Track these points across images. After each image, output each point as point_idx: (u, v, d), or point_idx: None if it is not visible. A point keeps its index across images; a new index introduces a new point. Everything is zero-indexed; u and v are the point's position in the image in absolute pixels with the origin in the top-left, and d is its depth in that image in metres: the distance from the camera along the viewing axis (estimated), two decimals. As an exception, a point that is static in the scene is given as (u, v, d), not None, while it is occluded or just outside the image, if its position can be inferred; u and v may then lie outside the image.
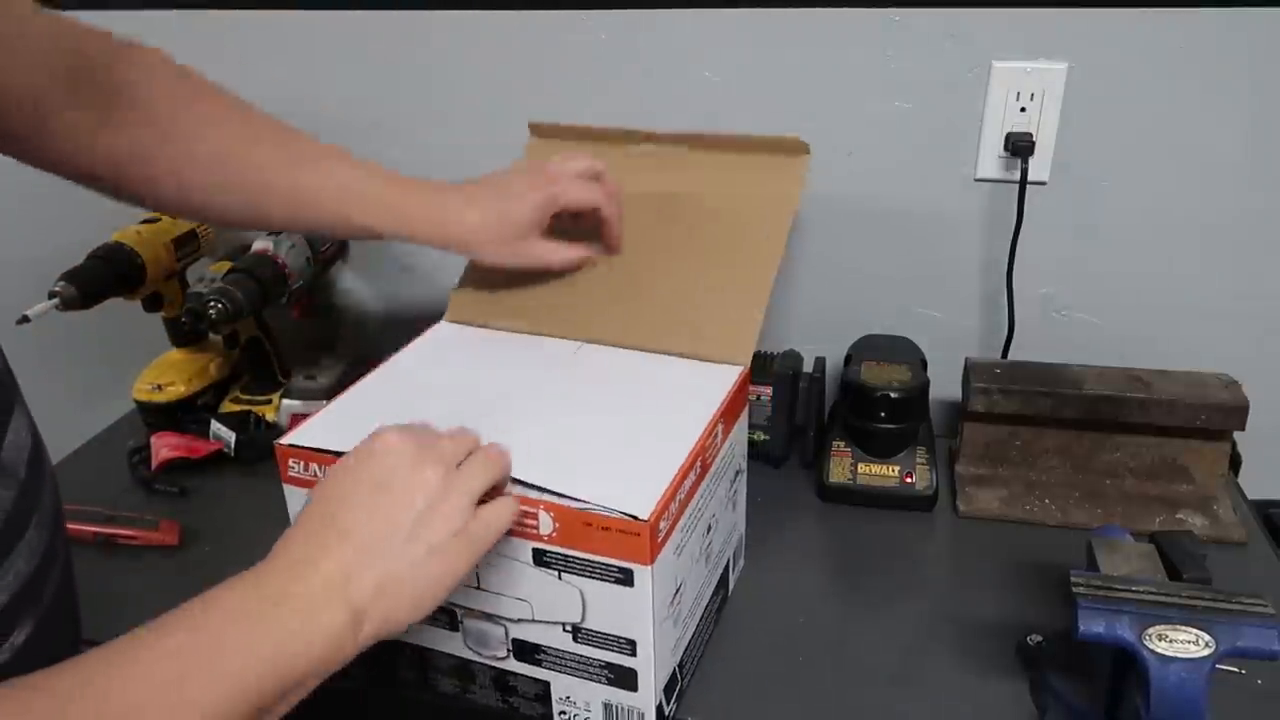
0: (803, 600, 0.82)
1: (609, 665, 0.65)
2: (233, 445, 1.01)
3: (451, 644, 0.70)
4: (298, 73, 1.10)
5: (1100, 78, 0.92)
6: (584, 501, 0.60)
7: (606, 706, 0.67)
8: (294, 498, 0.69)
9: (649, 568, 0.60)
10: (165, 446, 1.00)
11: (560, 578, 0.63)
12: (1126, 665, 0.63)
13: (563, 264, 0.81)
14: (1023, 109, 0.94)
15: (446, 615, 0.69)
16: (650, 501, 0.59)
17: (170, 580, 0.87)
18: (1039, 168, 0.95)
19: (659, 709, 0.67)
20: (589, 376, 0.76)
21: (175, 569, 0.88)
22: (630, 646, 0.64)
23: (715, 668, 0.75)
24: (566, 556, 0.62)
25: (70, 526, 0.90)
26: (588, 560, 0.61)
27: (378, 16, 1.05)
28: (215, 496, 0.98)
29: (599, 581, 0.62)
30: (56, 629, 0.55)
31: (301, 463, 0.67)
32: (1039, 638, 0.75)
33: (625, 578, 0.61)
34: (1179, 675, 0.59)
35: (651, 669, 0.64)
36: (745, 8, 0.96)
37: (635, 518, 0.58)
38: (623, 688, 0.66)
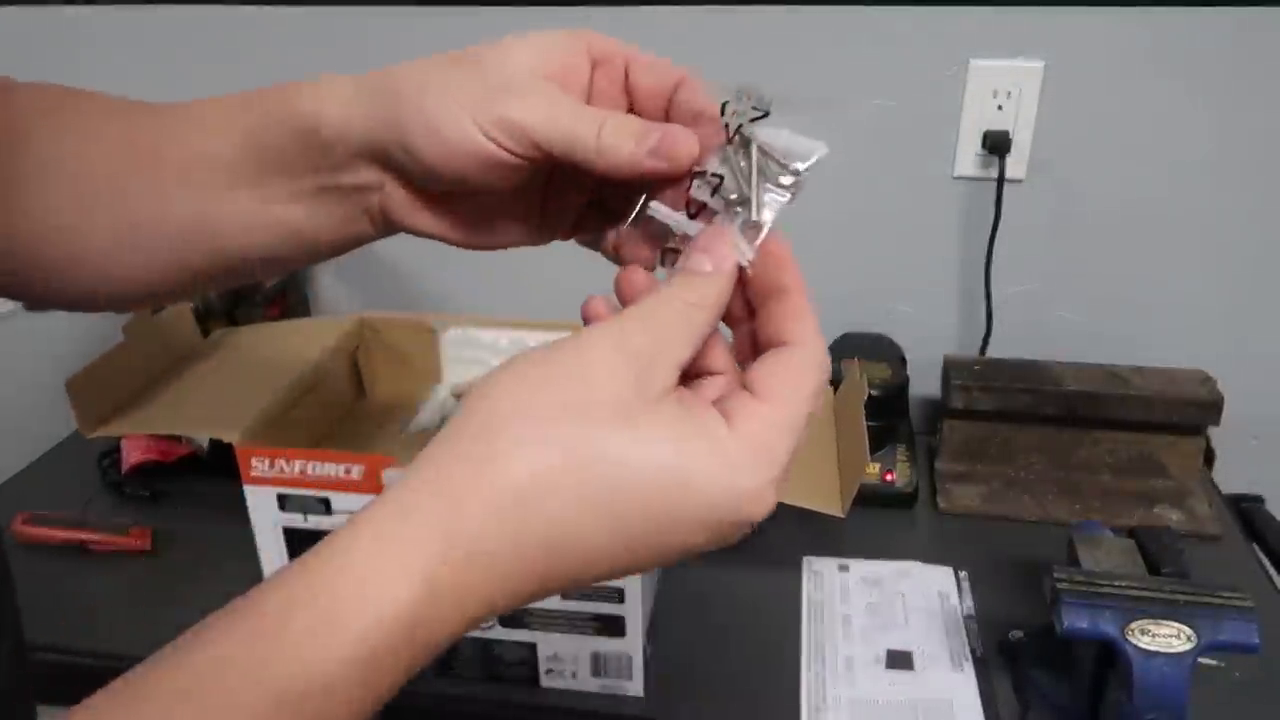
0: (787, 598, 0.82)
1: (597, 616, 0.68)
2: (205, 448, 0.99)
3: None
4: (286, 71, 1.08)
5: (1077, 76, 0.92)
6: None
7: (595, 656, 0.70)
8: (256, 499, 0.68)
9: None
10: (136, 450, 0.98)
11: None
12: (1109, 660, 0.63)
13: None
14: (1000, 107, 0.94)
15: None
16: None
17: (142, 586, 0.85)
18: (1016, 165, 0.96)
19: (644, 651, 0.71)
20: None
21: (147, 574, 0.87)
22: (618, 595, 0.67)
23: (698, 656, 0.75)
24: None
25: (40, 531, 0.89)
26: None
27: (360, 13, 1.03)
28: (188, 501, 0.96)
29: None
30: None
31: (266, 460, 0.66)
32: (1020, 633, 0.75)
33: None
34: (1162, 669, 0.60)
35: (639, 612, 0.68)
36: (726, 5, 0.95)
37: None
38: (611, 635, 0.69)
